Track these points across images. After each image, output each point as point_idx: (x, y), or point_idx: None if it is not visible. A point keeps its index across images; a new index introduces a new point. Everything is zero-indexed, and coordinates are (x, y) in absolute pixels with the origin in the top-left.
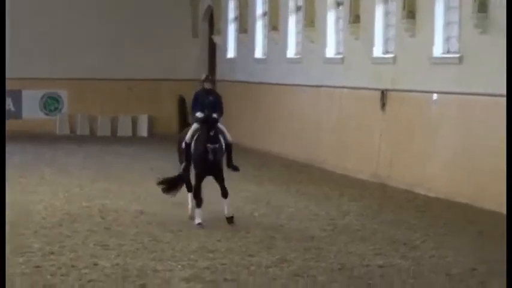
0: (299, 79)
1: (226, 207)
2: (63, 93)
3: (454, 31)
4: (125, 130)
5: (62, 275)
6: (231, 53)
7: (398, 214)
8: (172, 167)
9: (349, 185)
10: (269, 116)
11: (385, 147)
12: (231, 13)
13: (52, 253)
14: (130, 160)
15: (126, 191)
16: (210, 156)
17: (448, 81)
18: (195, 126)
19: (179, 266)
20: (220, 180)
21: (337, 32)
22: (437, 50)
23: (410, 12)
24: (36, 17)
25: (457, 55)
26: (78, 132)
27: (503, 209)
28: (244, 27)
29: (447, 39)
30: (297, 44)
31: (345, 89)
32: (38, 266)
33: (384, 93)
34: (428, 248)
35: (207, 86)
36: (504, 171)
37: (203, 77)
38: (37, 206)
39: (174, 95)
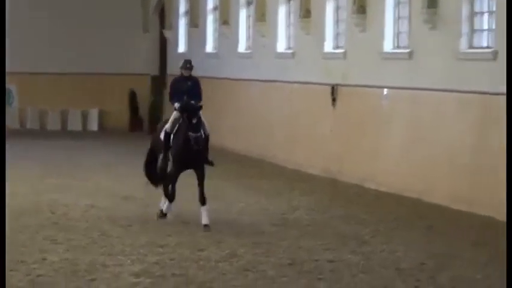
0: (250, 74)
1: (204, 215)
2: (13, 87)
3: (404, 26)
4: (75, 124)
5: (11, 270)
6: (181, 48)
7: (349, 209)
8: (123, 162)
9: (300, 179)
10: (220, 111)
11: (336, 142)
12: (182, 7)
13: None
14: (81, 154)
15: (76, 185)
16: (194, 146)
17: (398, 76)
18: (175, 114)
19: (129, 261)
20: (200, 176)
21: (288, 26)
22: (388, 45)
23: (360, 7)
24: None
25: (407, 50)
26: (28, 126)
27: (452, 204)
28: (195, 22)
29: (397, 35)
30: (248, 38)
31: (296, 84)
32: None
33: (334, 88)
34: (378, 243)
35: (186, 73)
36: (455, 165)
37: (181, 64)
38: None
39: (124, 90)
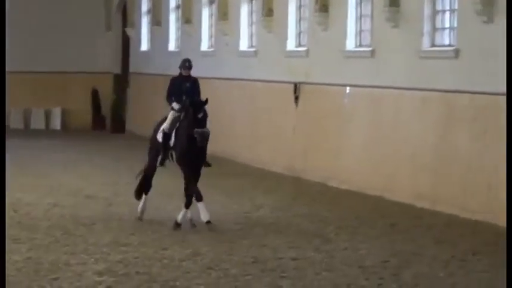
0: (213, 72)
1: (201, 211)
2: None
3: (367, 25)
4: (38, 123)
5: None
6: (144, 46)
7: (312, 207)
8: (86, 160)
9: (263, 178)
10: None
11: (299, 140)
12: (144, 6)
13: None
14: (44, 153)
15: (39, 184)
16: (199, 143)
17: (360, 75)
18: (173, 114)
19: (92, 260)
20: (197, 176)
21: (250, 25)
22: (350, 44)
23: (323, 5)
24: None
25: (369, 49)
26: None
27: (413, 201)
28: (158, 20)
29: (359, 33)
30: (211, 37)
31: (259, 82)
32: None
33: (297, 87)
34: (341, 241)
35: (185, 72)
36: (417, 163)
37: (180, 63)
38: None
39: (87, 88)
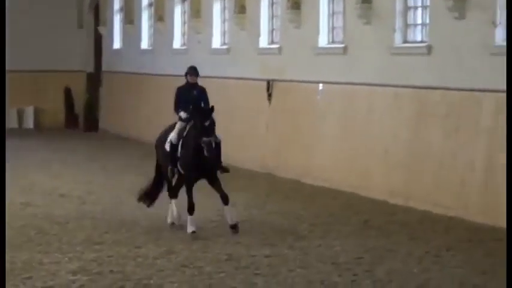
0: (185, 70)
1: (228, 215)
2: None
3: (339, 21)
4: (10, 122)
5: None
6: (117, 44)
7: (286, 204)
8: (59, 159)
9: (237, 175)
10: (155, 107)
11: (272, 137)
12: (117, 4)
13: None
14: (16, 152)
15: (12, 183)
16: (206, 152)
17: (333, 71)
18: (180, 124)
19: (66, 259)
20: (215, 183)
21: (223, 22)
22: (322, 41)
23: (295, 3)
24: None
25: (342, 45)
26: None
27: (387, 198)
28: (130, 18)
29: (332, 30)
30: (183, 34)
31: (232, 80)
32: None
33: (270, 84)
34: (315, 238)
35: (192, 80)
36: (390, 159)
37: (186, 70)
38: None
39: (60, 87)
